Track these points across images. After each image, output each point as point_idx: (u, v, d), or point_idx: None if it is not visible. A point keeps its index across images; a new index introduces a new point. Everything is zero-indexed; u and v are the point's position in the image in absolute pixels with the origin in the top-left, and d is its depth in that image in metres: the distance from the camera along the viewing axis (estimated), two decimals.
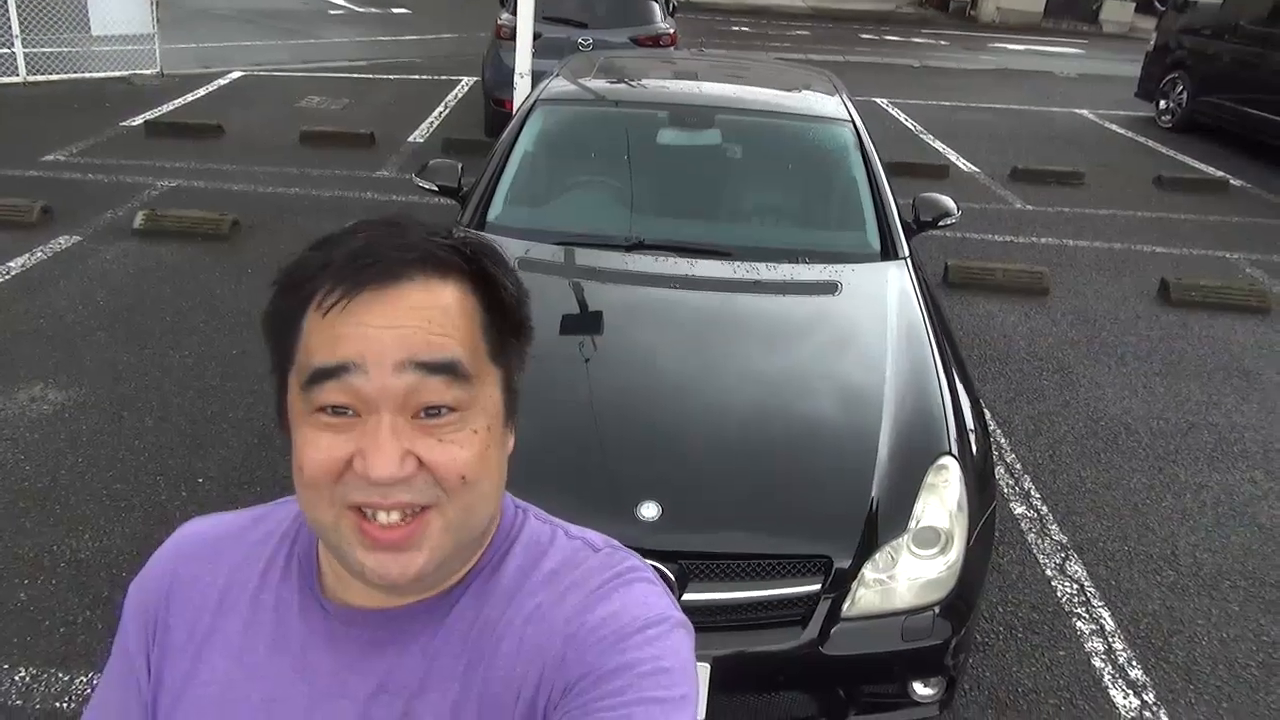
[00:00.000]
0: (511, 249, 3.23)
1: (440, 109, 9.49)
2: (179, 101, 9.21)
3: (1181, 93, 10.45)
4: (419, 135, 8.51)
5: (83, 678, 2.66)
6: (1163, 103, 10.77)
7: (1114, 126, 10.64)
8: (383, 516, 0.75)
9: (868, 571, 2.26)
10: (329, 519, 0.76)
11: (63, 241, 5.70)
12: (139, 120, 8.42)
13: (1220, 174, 8.70)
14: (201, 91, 9.68)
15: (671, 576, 2.16)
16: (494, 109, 8.06)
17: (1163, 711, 2.76)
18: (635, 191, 3.53)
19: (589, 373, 2.63)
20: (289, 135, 8.16)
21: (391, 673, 0.81)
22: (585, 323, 2.88)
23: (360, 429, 0.74)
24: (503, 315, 0.80)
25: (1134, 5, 20.73)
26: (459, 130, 8.50)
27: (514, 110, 6.76)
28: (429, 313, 0.75)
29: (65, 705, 2.57)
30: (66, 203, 6.23)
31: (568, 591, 0.82)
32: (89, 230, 5.90)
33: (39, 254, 5.50)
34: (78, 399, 4.02)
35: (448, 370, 0.74)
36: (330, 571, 0.85)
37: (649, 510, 2.21)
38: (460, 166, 3.73)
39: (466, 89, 10.34)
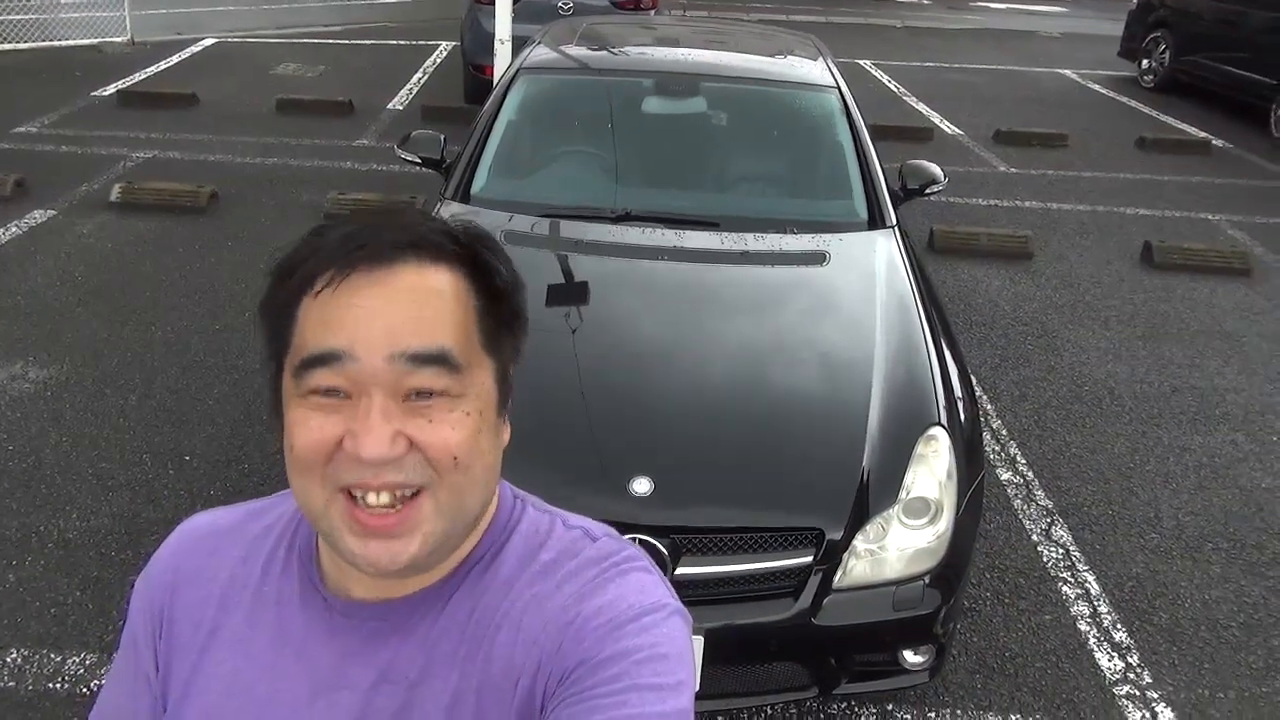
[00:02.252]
0: (496, 221, 3.20)
1: (419, 75, 9.36)
2: (151, 70, 9.04)
3: (1164, 52, 10.43)
4: (398, 103, 8.39)
5: (75, 658, 2.65)
6: (1145, 62, 10.75)
7: (1096, 87, 10.62)
8: (372, 498, 0.75)
9: (859, 542, 2.28)
10: (319, 503, 0.76)
11: (38, 216, 5.60)
12: (111, 90, 8.25)
13: (1202, 135, 8.71)
14: (174, 59, 9.49)
15: (664, 550, 2.17)
16: (473, 75, 7.95)
17: (1146, 673, 2.81)
18: (621, 161, 3.50)
19: (578, 346, 2.62)
20: (265, 104, 8.03)
21: (392, 663, 0.82)
22: (573, 295, 2.87)
23: (351, 410, 0.74)
24: (497, 303, 0.80)
25: None
26: (438, 97, 8.39)
27: (494, 77, 6.70)
28: (420, 296, 0.75)
29: (58, 686, 2.57)
30: (40, 176, 6.12)
31: (565, 581, 0.83)
32: (64, 204, 5.80)
33: (14, 229, 5.41)
34: (59, 376, 3.98)
35: (438, 361, 0.74)
36: (330, 564, 0.86)
37: (641, 485, 2.21)
38: (443, 138, 3.68)
39: (445, 54, 10.19)
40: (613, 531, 0.89)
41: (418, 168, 3.80)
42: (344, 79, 9.01)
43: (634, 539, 2.16)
